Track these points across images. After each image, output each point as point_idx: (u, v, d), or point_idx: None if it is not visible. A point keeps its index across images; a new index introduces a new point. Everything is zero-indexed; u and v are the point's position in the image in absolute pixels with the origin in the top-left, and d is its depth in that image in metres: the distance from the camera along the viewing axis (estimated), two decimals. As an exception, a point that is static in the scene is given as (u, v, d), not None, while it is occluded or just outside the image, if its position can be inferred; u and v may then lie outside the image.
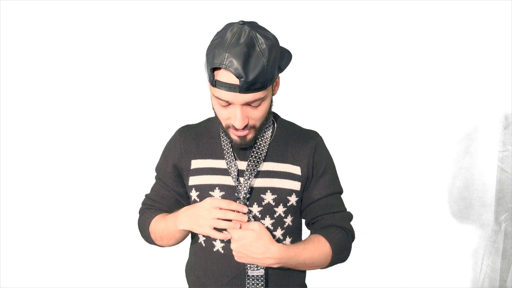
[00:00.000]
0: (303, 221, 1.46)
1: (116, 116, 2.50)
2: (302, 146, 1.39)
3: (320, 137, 1.44)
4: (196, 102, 2.39)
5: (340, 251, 1.37)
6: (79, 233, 2.53)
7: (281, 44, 1.27)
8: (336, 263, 1.39)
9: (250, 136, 1.30)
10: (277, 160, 1.37)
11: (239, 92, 1.19)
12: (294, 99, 2.29)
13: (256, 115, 1.26)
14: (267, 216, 1.34)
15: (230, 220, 1.24)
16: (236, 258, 1.27)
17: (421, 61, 2.48)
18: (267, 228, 1.33)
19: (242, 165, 1.35)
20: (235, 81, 1.18)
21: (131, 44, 2.46)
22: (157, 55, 2.47)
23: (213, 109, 1.31)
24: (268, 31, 1.25)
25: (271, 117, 1.38)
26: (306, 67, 2.40)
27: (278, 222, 1.35)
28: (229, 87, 1.19)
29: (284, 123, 1.45)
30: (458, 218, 2.58)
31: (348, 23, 2.46)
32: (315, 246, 1.33)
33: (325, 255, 1.34)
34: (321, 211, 1.39)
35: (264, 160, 1.35)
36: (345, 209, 1.43)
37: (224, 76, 1.20)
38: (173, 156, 1.43)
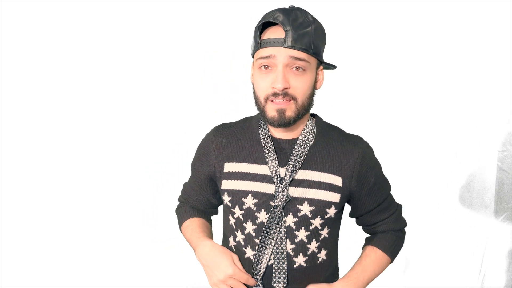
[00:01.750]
0: (340, 230, 1.44)
1: (117, 116, 2.50)
2: (345, 154, 1.30)
3: (366, 143, 1.35)
4: (198, 103, 2.40)
5: (396, 252, 1.42)
6: (79, 233, 2.53)
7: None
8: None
9: (289, 114, 1.23)
10: (317, 168, 1.29)
11: (284, 46, 1.18)
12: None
13: (298, 84, 1.21)
14: (302, 227, 1.28)
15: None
16: None
17: (421, 62, 2.48)
18: (301, 240, 1.29)
19: (281, 171, 1.29)
20: (281, 34, 1.19)
21: (136, 45, 2.46)
22: (161, 56, 2.47)
23: (253, 87, 1.28)
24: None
25: (311, 116, 1.35)
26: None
27: (314, 234, 1.30)
28: (274, 42, 1.19)
29: (326, 126, 1.37)
30: (458, 218, 2.58)
31: (349, 25, 2.46)
32: (373, 261, 1.36)
33: (385, 264, 1.40)
34: (375, 219, 1.40)
35: (303, 168, 1.29)
36: (395, 206, 1.43)
37: (270, 33, 1.22)
38: (206, 157, 1.38)
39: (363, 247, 1.43)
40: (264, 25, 1.24)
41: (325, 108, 2.45)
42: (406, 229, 1.47)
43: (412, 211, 2.56)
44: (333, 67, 1.34)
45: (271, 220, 1.27)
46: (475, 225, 2.58)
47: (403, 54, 2.48)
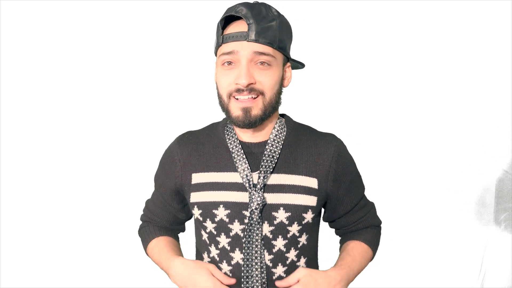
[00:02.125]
0: (319, 236, 1.38)
1: (117, 116, 2.50)
2: (319, 154, 1.24)
3: (339, 141, 1.29)
4: (199, 103, 2.40)
5: (377, 246, 1.38)
6: (79, 233, 2.53)
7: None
8: None
9: (255, 112, 1.15)
10: (290, 171, 1.21)
11: (247, 40, 1.12)
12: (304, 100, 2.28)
13: (263, 79, 1.14)
14: (279, 236, 1.20)
15: None
16: None
17: (423, 62, 2.48)
18: (279, 249, 1.21)
19: (254, 176, 1.20)
20: (244, 28, 1.13)
21: (135, 46, 2.46)
22: (161, 57, 2.47)
23: (216, 86, 1.21)
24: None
25: (280, 116, 1.27)
26: (315, 68, 2.40)
27: (292, 242, 1.22)
28: (237, 36, 1.13)
29: (296, 126, 1.29)
30: (457, 218, 2.58)
31: (349, 25, 2.46)
32: (360, 254, 1.30)
33: (369, 258, 1.35)
34: (354, 217, 1.34)
35: (275, 172, 1.21)
36: (371, 205, 1.40)
37: (232, 28, 1.16)
38: (171, 169, 1.29)
39: (342, 244, 1.36)
40: (227, 20, 1.17)
41: (335, 110, 2.46)
42: (407, 229, 1.46)
43: (412, 211, 2.57)
44: (301, 65, 1.29)
45: (248, 230, 1.18)
46: (475, 225, 2.58)
47: (403, 55, 2.47)
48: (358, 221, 1.35)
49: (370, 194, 2.54)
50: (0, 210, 2.50)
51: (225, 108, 1.19)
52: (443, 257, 2.59)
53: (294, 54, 1.29)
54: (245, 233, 1.19)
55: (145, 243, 1.39)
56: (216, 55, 1.21)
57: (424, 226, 2.56)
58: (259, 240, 1.19)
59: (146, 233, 1.39)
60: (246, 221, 1.19)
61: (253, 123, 1.16)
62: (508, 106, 2.49)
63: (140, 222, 1.45)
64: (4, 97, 2.46)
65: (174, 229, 1.42)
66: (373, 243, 1.35)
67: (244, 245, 1.19)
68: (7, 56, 2.44)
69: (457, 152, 2.55)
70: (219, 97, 1.20)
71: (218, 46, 1.19)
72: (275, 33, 1.14)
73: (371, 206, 1.39)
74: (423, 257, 2.58)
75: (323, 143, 1.26)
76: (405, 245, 2.57)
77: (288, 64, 1.23)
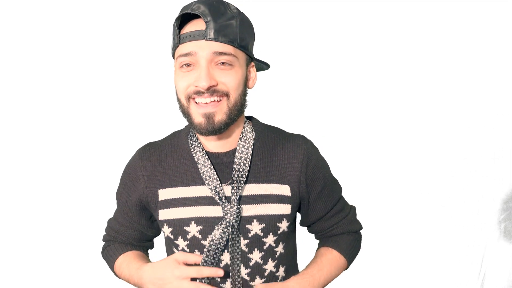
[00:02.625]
0: (296, 242, 1.32)
1: (118, 117, 2.50)
2: (289, 158, 1.16)
3: (310, 142, 1.21)
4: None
5: (353, 254, 1.28)
6: (79, 233, 2.53)
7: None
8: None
9: (219, 117, 1.06)
10: (262, 180, 1.14)
11: (206, 39, 1.03)
12: (279, 101, 2.27)
13: (226, 80, 1.06)
14: (255, 249, 1.14)
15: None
16: None
17: (422, 61, 2.48)
18: (256, 262, 1.15)
19: (225, 189, 1.12)
20: (201, 26, 1.05)
21: (135, 46, 2.46)
22: (161, 57, 2.46)
23: (176, 89, 1.11)
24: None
25: (246, 118, 1.20)
26: (299, 66, 2.39)
27: (269, 253, 1.15)
28: (194, 35, 1.04)
29: (264, 128, 1.21)
30: (457, 218, 2.58)
31: (348, 23, 2.45)
32: (330, 261, 1.22)
33: (341, 266, 1.24)
34: (329, 223, 1.25)
35: (247, 182, 1.13)
36: (349, 208, 1.29)
37: (189, 27, 1.07)
38: (135, 185, 1.20)
39: (317, 250, 1.29)
40: (183, 19, 1.09)
41: (324, 111, 2.45)
42: (406, 229, 1.39)
43: (412, 211, 2.57)
44: (267, 66, 1.22)
45: (231, 244, 1.11)
46: (475, 225, 2.58)
47: (403, 55, 2.47)
48: (333, 227, 1.26)
49: (365, 194, 2.56)
50: (0, 210, 2.50)
51: (186, 114, 1.10)
52: (443, 257, 2.58)
53: (260, 54, 1.22)
54: (219, 247, 1.11)
55: (111, 263, 1.28)
56: (173, 57, 1.13)
57: (424, 226, 2.55)
58: (239, 253, 1.13)
59: (111, 251, 1.28)
60: (218, 236, 1.11)
61: (217, 130, 1.07)
62: (508, 106, 2.48)
63: (103, 243, 1.34)
64: (4, 97, 2.46)
65: (141, 246, 1.31)
66: (347, 251, 1.25)
67: (219, 260, 1.12)
68: (7, 56, 2.44)
69: (457, 152, 2.55)
70: (178, 101, 1.11)
71: (175, 47, 1.10)
72: (235, 31, 1.06)
73: (348, 210, 1.29)
74: (423, 257, 2.58)
75: (292, 146, 1.18)
76: (405, 245, 2.57)
77: (252, 64, 1.15)
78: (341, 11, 2.43)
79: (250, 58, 1.14)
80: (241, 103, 1.11)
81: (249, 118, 1.23)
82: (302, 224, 1.31)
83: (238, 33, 1.07)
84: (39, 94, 2.48)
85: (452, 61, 2.47)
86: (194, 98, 1.07)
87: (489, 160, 2.54)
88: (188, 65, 1.07)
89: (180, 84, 1.08)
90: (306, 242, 1.39)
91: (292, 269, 1.25)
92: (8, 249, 2.52)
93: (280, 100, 2.38)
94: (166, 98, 2.46)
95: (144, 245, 1.32)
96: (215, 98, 1.06)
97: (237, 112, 1.10)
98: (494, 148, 2.52)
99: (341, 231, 1.26)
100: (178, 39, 1.08)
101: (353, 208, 1.31)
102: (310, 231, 1.32)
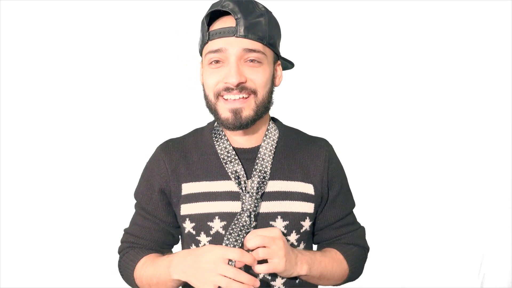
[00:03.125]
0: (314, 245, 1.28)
1: (119, 117, 2.50)
2: (313, 159, 1.17)
3: (331, 147, 1.22)
4: (203, 105, 2.39)
5: (356, 267, 1.22)
6: (79, 233, 2.53)
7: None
8: (348, 281, 1.23)
9: (247, 113, 1.07)
10: (286, 177, 1.13)
11: (236, 36, 1.04)
12: (296, 104, 2.27)
13: (255, 77, 1.06)
14: None
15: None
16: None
17: (425, 61, 2.48)
18: None
19: (248, 184, 1.11)
20: (232, 23, 1.05)
21: (136, 47, 2.46)
22: (163, 58, 2.47)
23: (203, 85, 1.12)
24: None
25: (271, 119, 1.20)
26: (309, 71, 2.40)
27: None
28: (224, 32, 1.05)
29: (288, 130, 1.22)
30: (457, 218, 2.58)
31: (349, 26, 2.46)
32: (333, 257, 1.16)
33: (342, 271, 1.18)
34: (337, 233, 1.22)
35: (271, 178, 1.13)
36: (359, 225, 1.27)
37: (219, 23, 1.07)
38: (158, 179, 1.17)
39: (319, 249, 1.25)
40: (212, 16, 1.09)
41: (333, 114, 2.46)
42: (407, 229, 1.36)
43: (412, 211, 2.57)
44: (291, 65, 1.22)
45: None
46: (474, 224, 2.58)
47: (400, 56, 2.48)
48: (341, 237, 1.22)
49: (366, 194, 2.56)
50: (0, 210, 2.50)
51: (213, 110, 1.11)
52: (443, 257, 2.59)
53: (283, 53, 1.22)
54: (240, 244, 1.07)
55: (131, 268, 1.18)
56: (201, 54, 1.13)
57: (424, 226, 2.56)
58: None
59: (132, 255, 1.19)
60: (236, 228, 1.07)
61: (245, 125, 1.08)
62: (508, 106, 2.49)
63: (118, 256, 1.27)
64: (4, 97, 2.46)
65: (163, 252, 1.22)
66: (351, 259, 1.19)
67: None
68: (7, 56, 2.43)
69: (457, 152, 2.55)
70: (206, 97, 1.12)
71: (203, 43, 1.10)
72: (264, 28, 1.07)
73: (358, 226, 1.26)
74: (423, 257, 2.58)
75: (315, 147, 1.19)
76: (405, 245, 2.57)
77: (279, 62, 1.16)
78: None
79: (277, 56, 1.15)
80: (268, 100, 1.12)
81: (273, 119, 1.24)
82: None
83: (267, 30, 1.07)
84: (42, 94, 2.48)
85: (452, 61, 2.47)
86: (222, 96, 1.08)
87: (489, 159, 2.54)
88: (217, 61, 1.07)
89: (209, 81, 1.08)
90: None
91: None
92: (8, 249, 2.51)
93: (299, 101, 2.39)
94: (167, 99, 2.49)
95: (164, 251, 1.23)
96: (244, 95, 1.07)
97: (264, 109, 1.11)
98: (494, 147, 2.53)
99: (349, 242, 1.23)
100: (208, 36, 1.08)
101: (362, 227, 1.28)
102: (316, 239, 1.25)
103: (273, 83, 1.14)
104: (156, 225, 1.19)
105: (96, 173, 2.51)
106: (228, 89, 1.06)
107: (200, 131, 1.22)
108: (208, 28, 1.09)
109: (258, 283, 0.98)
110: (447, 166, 2.56)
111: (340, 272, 1.18)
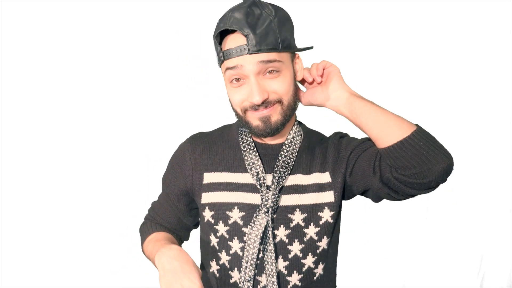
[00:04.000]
0: (339, 243, 1.28)
1: (119, 117, 2.50)
2: (324, 149, 1.20)
3: (338, 132, 1.27)
4: (204, 106, 2.40)
5: (429, 139, 1.15)
6: (79, 233, 2.53)
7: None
8: (426, 149, 1.16)
9: (275, 118, 1.10)
10: (305, 171, 1.17)
11: (249, 53, 1.05)
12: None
13: (276, 87, 1.08)
14: (296, 240, 1.14)
15: None
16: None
17: (425, 61, 2.49)
18: (295, 255, 1.14)
19: (267, 178, 1.15)
20: (242, 41, 1.06)
21: (137, 47, 2.46)
22: (163, 58, 2.47)
23: (230, 101, 1.15)
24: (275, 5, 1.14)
25: (296, 117, 1.22)
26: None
27: (310, 246, 1.15)
28: (237, 51, 1.06)
29: (310, 132, 1.26)
30: (457, 218, 2.58)
31: (349, 26, 2.46)
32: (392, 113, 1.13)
33: (405, 121, 1.13)
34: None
35: (291, 173, 1.16)
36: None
37: (230, 42, 1.09)
38: (181, 168, 1.23)
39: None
40: (222, 33, 1.10)
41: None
42: (408, 229, 1.35)
43: (412, 211, 2.57)
44: (310, 48, 1.22)
45: (262, 235, 1.11)
46: (474, 225, 2.58)
47: (404, 56, 2.48)
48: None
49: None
50: (0, 210, 2.49)
51: (243, 122, 1.14)
52: (443, 257, 2.59)
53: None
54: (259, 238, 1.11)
55: (144, 237, 1.30)
56: (219, 66, 1.16)
57: (424, 226, 2.56)
58: (272, 245, 1.12)
59: (146, 228, 1.31)
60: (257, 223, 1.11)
61: (275, 130, 1.11)
62: (508, 107, 2.49)
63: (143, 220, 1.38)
64: (4, 97, 2.46)
65: (177, 233, 1.32)
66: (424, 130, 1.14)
67: (261, 251, 1.12)
68: (7, 56, 2.43)
69: (457, 152, 2.54)
70: (234, 111, 1.15)
71: (220, 62, 1.13)
72: (275, 35, 1.07)
73: None
74: (423, 257, 2.58)
75: (327, 140, 1.24)
76: (406, 245, 2.57)
77: (297, 55, 1.17)
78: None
79: (294, 52, 1.16)
80: (294, 101, 1.14)
81: (298, 122, 1.27)
82: (375, 197, 1.26)
83: (278, 36, 1.08)
84: (43, 94, 2.48)
85: (452, 62, 2.48)
86: (249, 111, 1.11)
87: (488, 159, 2.54)
88: (237, 79, 1.10)
89: (235, 99, 1.12)
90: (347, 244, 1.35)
91: (331, 270, 1.24)
92: (8, 249, 2.51)
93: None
94: (167, 99, 2.49)
95: (179, 234, 1.32)
96: (270, 105, 1.10)
97: (291, 111, 1.14)
98: (494, 148, 2.53)
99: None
100: (223, 55, 1.10)
101: None
102: (389, 178, 1.16)
103: (295, 82, 1.16)
104: (171, 208, 1.28)
105: (96, 173, 2.51)
106: (253, 107, 1.10)
107: (229, 126, 1.27)
108: (221, 47, 1.11)
109: None
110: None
111: (400, 121, 1.12)
